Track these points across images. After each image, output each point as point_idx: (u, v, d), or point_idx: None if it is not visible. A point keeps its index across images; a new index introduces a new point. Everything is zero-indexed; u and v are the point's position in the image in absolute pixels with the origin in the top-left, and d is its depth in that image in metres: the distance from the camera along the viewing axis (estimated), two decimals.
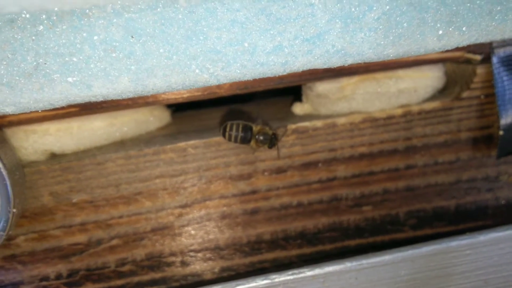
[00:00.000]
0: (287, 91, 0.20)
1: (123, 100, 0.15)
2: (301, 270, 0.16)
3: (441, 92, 0.19)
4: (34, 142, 0.15)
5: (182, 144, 0.16)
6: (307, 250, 0.18)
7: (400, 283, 0.17)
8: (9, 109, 0.13)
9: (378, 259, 0.17)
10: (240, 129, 0.16)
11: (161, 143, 0.16)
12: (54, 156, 0.16)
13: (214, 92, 0.16)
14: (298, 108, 0.18)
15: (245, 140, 0.16)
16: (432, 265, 0.17)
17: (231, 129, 0.16)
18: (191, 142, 0.16)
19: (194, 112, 0.20)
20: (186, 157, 0.16)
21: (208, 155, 0.16)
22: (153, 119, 0.18)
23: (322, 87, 0.17)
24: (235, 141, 0.16)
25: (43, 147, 0.16)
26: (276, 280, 0.16)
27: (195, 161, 0.16)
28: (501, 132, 0.18)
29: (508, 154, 0.18)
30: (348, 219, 0.18)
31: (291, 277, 0.16)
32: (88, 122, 0.16)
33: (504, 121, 0.18)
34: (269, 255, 0.18)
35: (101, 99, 0.13)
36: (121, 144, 0.17)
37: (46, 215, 0.16)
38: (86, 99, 0.13)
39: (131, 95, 0.13)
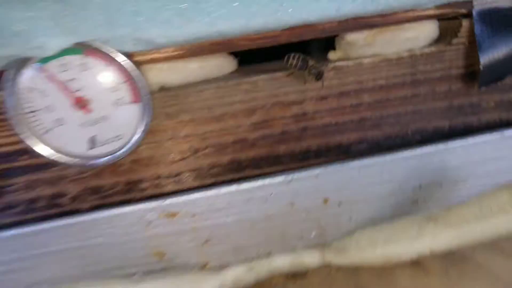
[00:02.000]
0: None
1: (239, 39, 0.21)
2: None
3: (436, 41, 0.25)
4: (152, 77, 0.22)
5: (254, 78, 0.23)
6: (343, 157, 0.24)
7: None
8: (161, 41, 0.19)
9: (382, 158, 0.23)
10: (300, 59, 0.22)
11: (239, 78, 0.23)
12: (163, 88, 0.22)
13: (277, 40, 0.22)
14: (332, 55, 0.25)
15: (301, 68, 0.22)
16: (427, 162, 0.24)
17: (293, 58, 0.22)
18: (261, 76, 0.23)
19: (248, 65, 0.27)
20: (257, 88, 0.23)
21: (272, 86, 0.23)
22: (228, 65, 0.24)
23: (351, 37, 0.24)
24: (294, 67, 0.22)
25: (157, 81, 0.22)
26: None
27: (263, 90, 0.23)
28: (481, 68, 0.24)
29: (487, 85, 0.25)
30: (372, 135, 0.25)
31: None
32: (188, 63, 0.22)
33: (482, 60, 0.24)
34: (316, 161, 0.24)
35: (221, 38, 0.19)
36: (209, 80, 0.23)
37: (161, 130, 0.22)
38: (212, 37, 0.19)
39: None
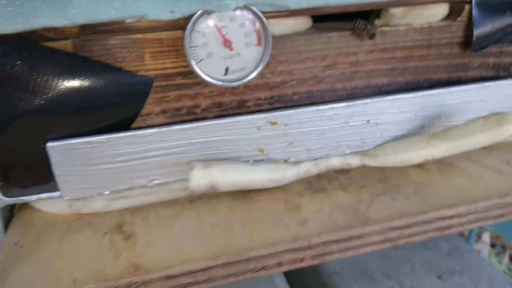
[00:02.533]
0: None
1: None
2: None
3: (446, 17, 0.36)
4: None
5: (329, 34, 0.33)
6: (378, 94, 0.36)
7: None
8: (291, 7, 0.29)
9: (405, 95, 0.35)
10: (363, 24, 0.32)
11: (319, 33, 0.33)
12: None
13: (347, 9, 0.32)
14: (377, 21, 0.35)
15: (362, 30, 0.32)
16: (433, 100, 0.35)
17: (359, 23, 0.32)
18: (333, 33, 0.33)
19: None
20: (330, 41, 0.33)
21: (340, 40, 0.33)
22: (308, 22, 0.34)
23: (392, 10, 0.34)
24: (358, 29, 0.32)
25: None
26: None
27: (334, 43, 0.33)
28: (474, 39, 0.36)
29: (476, 51, 0.37)
30: (399, 81, 0.36)
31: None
32: (287, 20, 0.32)
33: (475, 33, 0.36)
34: (362, 95, 0.35)
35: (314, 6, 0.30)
36: (298, 33, 0.33)
37: (266, 66, 0.32)
38: (310, 5, 0.29)
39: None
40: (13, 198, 0.30)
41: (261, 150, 0.33)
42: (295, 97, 0.34)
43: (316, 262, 0.27)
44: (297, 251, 0.26)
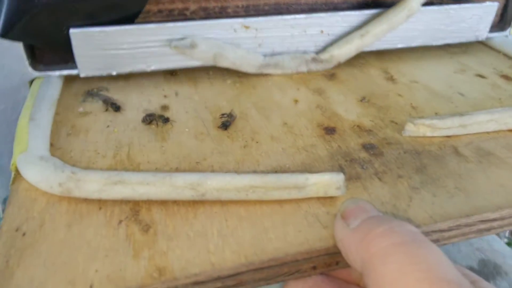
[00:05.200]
0: None
1: None
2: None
3: None
4: None
5: None
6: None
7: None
8: None
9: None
10: None
11: None
12: None
13: None
14: None
15: None
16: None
17: None
18: None
19: None
20: None
21: None
22: None
23: None
24: None
25: None
26: None
27: None
28: None
29: None
30: (351, 0, 0.44)
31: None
32: None
33: None
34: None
35: None
36: None
37: None
38: None
39: None
40: (40, 72, 0.38)
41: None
42: (266, 8, 0.42)
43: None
44: (334, 254, 0.23)
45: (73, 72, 0.39)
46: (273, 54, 0.43)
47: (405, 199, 0.27)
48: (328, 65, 0.44)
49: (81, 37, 0.36)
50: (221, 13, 0.41)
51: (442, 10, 0.46)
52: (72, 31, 0.36)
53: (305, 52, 0.44)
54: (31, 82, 0.39)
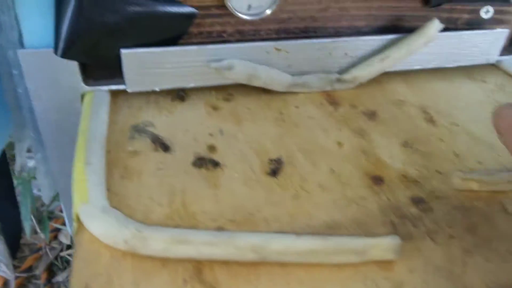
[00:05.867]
0: None
1: None
2: None
3: None
4: None
5: None
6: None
7: None
8: None
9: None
10: None
11: None
12: None
13: None
14: None
15: None
16: None
17: None
18: None
19: None
20: None
21: None
22: None
23: None
24: None
25: None
26: None
27: None
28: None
29: (435, 6, 0.49)
30: (373, 25, 0.48)
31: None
32: None
33: None
34: None
35: None
36: None
37: None
38: None
39: None
40: (91, 87, 0.42)
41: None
42: (296, 31, 0.46)
43: None
44: None
45: (121, 87, 0.42)
46: (301, 74, 0.46)
47: (459, 264, 0.26)
48: (351, 85, 0.48)
49: (131, 57, 0.40)
50: (255, 35, 0.44)
51: (457, 35, 0.50)
52: (124, 51, 0.40)
53: (329, 73, 0.47)
54: (82, 96, 0.42)
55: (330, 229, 0.29)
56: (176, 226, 0.28)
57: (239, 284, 0.24)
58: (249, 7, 0.41)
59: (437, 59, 0.50)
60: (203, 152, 0.37)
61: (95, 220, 0.26)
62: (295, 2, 0.44)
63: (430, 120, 0.43)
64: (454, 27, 0.51)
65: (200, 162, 0.35)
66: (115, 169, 0.33)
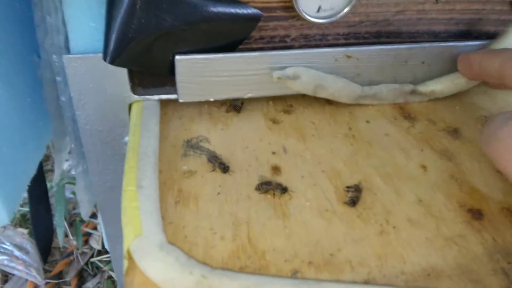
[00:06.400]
0: None
1: None
2: None
3: None
4: None
5: None
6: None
7: None
8: None
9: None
10: None
11: None
12: None
13: None
14: None
15: None
16: None
17: None
18: None
19: None
20: None
21: None
22: None
23: None
24: None
25: None
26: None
27: None
28: None
29: None
30: (453, 29, 0.42)
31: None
32: None
33: None
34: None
35: None
36: None
37: None
38: None
39: None
40: (140, 96, 0.38)
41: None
42: (366, 35, 0.40)
43: None
44: None
45: (172, 97, 0.38)
46: (370, 84, 0.41)
47: None
48: (426, 98, 0.42)
49: (185, 64, 0.36)
50: (321, 40, 0.39)
51: None
52: (178, 57, 0.35)
53: (403, 83, 0.42)
54: (129, 106, 0.38)
55: (430, 278, 0.24)
56: (244, 268, 0.25)
57: None
58: (319, 9, 0.36)
59: None
60: (267, 173, 0.32)
61: (151, 260, 0.22)
62: (370, 3, 0.38)
63: None
64: None
65: (266, 186, 0.30)
66: (168, 193, 0.29)
